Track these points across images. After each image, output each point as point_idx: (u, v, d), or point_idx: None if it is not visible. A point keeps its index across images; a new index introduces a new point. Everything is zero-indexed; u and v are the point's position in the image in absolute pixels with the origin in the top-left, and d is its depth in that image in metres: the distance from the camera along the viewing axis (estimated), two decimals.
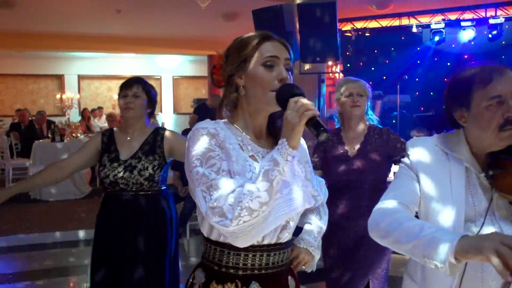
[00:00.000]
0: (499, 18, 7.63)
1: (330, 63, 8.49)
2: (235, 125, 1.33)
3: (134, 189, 2.33)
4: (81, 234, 5.44)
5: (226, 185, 1.15)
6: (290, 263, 1.40)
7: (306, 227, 1.48)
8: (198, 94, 13.94)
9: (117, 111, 11.71)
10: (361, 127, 2.45)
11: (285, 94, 1.19)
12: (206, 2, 6.10)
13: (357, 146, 2.40)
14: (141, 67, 13.85)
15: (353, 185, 2.31)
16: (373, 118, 2.52)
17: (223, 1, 7.27)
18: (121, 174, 2.30)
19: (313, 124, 1.12)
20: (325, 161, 2.50)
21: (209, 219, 1.14)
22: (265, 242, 1.27)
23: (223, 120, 1.35)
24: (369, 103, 2.46)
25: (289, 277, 1.37)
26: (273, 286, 1.31)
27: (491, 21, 7.63)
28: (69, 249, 5.07)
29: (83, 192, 7.32)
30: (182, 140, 2.42)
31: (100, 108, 12.17)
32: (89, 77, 13.66)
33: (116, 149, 2.38)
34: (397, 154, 2.37)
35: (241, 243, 1.18)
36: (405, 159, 1.43)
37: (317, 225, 1.49)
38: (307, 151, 1.47)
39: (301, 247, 1.43)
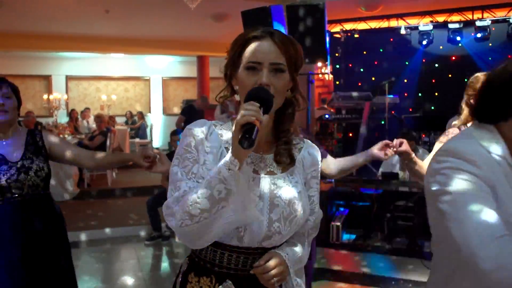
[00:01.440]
0: (486, 20, 7.72)
1: (319, 64, 8.53)
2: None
3: (30, 192, 2.16)
4: (68, 236, 5.38)
5: (185, 188, 1.19)
6: None
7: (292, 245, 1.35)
8: (188, 95, 13.90)
9: (105, 112, 11.64)
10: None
11: (246, 99, 1.14)
12: (195, 3, 6.08)
13: None
14: (130, 68, 13.78)
15: None
16: None
17: (212, 2, 7.25)
18: (15, 177, 2.13)
19: (244, 131, 1.06)
20: None
21: (164, 216, 1.21)
22: (245, 245, 1.24)
23: (222, 121, 1.35)
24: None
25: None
26: (249, 287, 1.27)
27: (478, 23, 7.73)
28: None
29: (71, 193, 7.24)
30: (59, 141, 2.39)
31: (87, 109, 12.08)
32: (77, 78, 13.53)
33: None
34: None
35: (189, 245, 1.22)
36: (472, 168, 1.15)
37: (301, 251, 1.35)
38: (316, 165, 1.38)
39: (279, 253, 1.27)
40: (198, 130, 1.27)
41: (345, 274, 4.33)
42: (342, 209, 5.51)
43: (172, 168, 1.25)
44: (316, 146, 1.42)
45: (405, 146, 2.22)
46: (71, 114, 11.56)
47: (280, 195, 1.25)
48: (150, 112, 14.08)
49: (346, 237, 5.20)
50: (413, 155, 2.27)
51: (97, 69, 13.43)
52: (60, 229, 2.32)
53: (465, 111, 2.43)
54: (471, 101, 2.37)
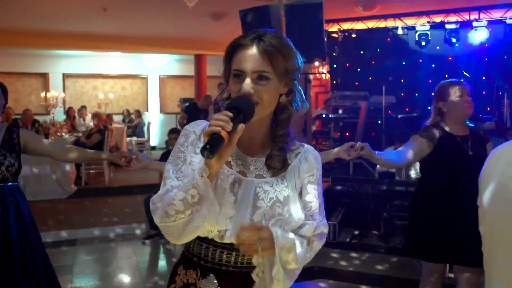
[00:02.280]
0: (482, 21, 7.76)
1: (316, 63, 8.55)
2: None
3: None
4: (65, 234, 5.39)
5: (168, 186, 1.25)
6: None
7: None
8: (185, 93, 13.89)
9: (103, 110, 11.63)
10: None
11: (226, 109, 1.17)
12: (193, 1, 6.08)
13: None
14: (127, 66, 13.77)
15: None
16: None
17: (210, 1, 7.26)
18: None
19: (207, 141, 1.09)
20: None
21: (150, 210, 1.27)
22: (225, 240, 1.27)
23: None
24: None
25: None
26: (232, 283, 1.29)
27: (475, 24, 7.76)
28: (53, 249, 5.01)
29: (68, 192, 7.24)
30: (34, 136, 2.74)
31: (84, 107, 12.07)
32: (74, 76, 13.50)
33: None
34: None
35: (170, 240, 1.27)
36: None
37: (294, 241, 1.27)
38: (313, 170, 1.35)
39: (269, 227, 1.23)
40: (192, 131, 1.32)
41: (341, 273, 4.36)
42: (339, 208, 5.53)
43: (166, 164, 1.31)
44: (316, 152, 1.40)
45: (366, 150, 2.56)
46: (68, 112, 11.54)
47: (263, 198, 1.27)
48: (147, 110, 14.07)
49: (342, 236, 5.23)
50: (375, 155, 2.62)
51: (94, 67, 13.41)
52: (22, 216, 2.57)
53: (434, 113, 2.82)
54: (438, 104, 2.76)
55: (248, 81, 1.21)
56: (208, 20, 8.76)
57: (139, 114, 12.76)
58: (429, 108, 9.14)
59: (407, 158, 2.72)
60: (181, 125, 8.06)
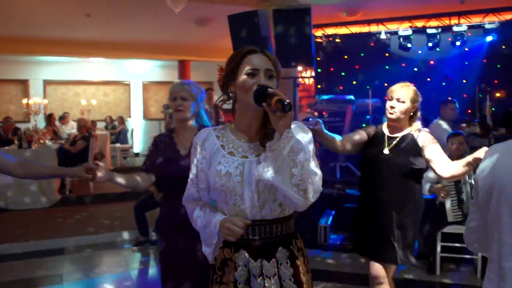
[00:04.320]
0: (462, 26, 7.96)
1: (300, 68, 8.61)
2: (231, 126, 1.64)
3: None
4: (52, 243, 5.29)
5: (188, 191, 1.70)
6: (284, 236, 1.59)
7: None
8: None
9: (85, 116, 11.47)
10: (190, 128, 2.49)
11: (257, 92, 1.47)
12: (180, 7, 6.07)
13: (189, 146, 2.27)
14: (110, 72, 13.62)
15: (184, 182, 1.86)
16: (205, 119, 2.58)
17: (196, 6, 7.25)
18: None
19: (281, 102, 1.39)
20: (157, 162, 2.49)
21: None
22: (250, 217, 1.53)
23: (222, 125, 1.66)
24: (197, 105, 2.50)
25: (280, 248, 1.58)
26: (260, 253, 1.55)
27: (455, 28, 7.96)
28: (41, 258, 4.91)
29: (52, 200, 7.11)
30: None
31: (66, 113, 11.89)
32: (55, 82, 13.28)
33: None
34: None
35: None
36: None
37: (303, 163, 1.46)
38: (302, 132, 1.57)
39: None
40: (197, 140, 1.64)
41: (335, 274, 4.39)
42: (328, 211, 5.57)
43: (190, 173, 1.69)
44: (301, 124, 1.63)
45: (319, 126, 2.72)
46: (49, 118, 11.34)
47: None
48: (130, 116, 13.93)
49: (333, 238, 5.27)
50: (324, 133, 2.76)
51: (76, 74, 13.21)
52: None
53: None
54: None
55: (262, 76, 1.52)
56: (192, 26, 8.75)
57: (122, 120, 12.62)
58: None
59: (346, 144, 2.85)
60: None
